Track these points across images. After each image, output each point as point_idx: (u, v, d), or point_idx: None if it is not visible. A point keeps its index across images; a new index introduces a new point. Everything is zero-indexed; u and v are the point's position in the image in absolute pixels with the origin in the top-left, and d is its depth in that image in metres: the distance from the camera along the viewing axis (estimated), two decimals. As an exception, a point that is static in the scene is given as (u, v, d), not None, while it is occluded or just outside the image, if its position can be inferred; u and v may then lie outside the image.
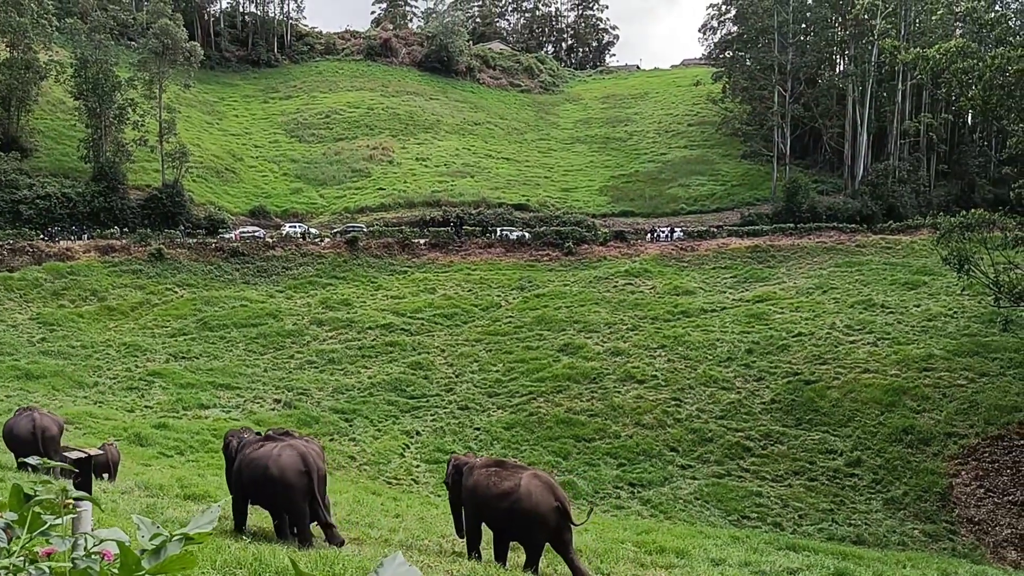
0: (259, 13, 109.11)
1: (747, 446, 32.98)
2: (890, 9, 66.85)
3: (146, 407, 33.67)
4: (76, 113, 62.07)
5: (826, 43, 77.38)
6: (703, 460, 32.36)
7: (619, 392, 37.27)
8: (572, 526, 10.51)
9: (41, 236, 52.94)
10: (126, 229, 56.90)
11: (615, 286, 51.43)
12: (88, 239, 54.10)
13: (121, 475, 17.46)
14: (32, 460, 2.01)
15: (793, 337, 40.69)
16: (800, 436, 33.35)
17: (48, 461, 2.03)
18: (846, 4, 72.04)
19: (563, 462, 32.12)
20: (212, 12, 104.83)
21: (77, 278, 47.81)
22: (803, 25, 77.44)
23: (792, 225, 60.43)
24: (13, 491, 1.59)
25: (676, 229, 62.20)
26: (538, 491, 10.35)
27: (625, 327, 44.67)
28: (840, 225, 59.74)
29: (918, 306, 42.94)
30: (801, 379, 36.90)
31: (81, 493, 1.73)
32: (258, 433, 13.05)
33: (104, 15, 65.48)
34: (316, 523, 11.59)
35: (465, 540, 11.78)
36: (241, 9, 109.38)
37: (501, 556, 11.10)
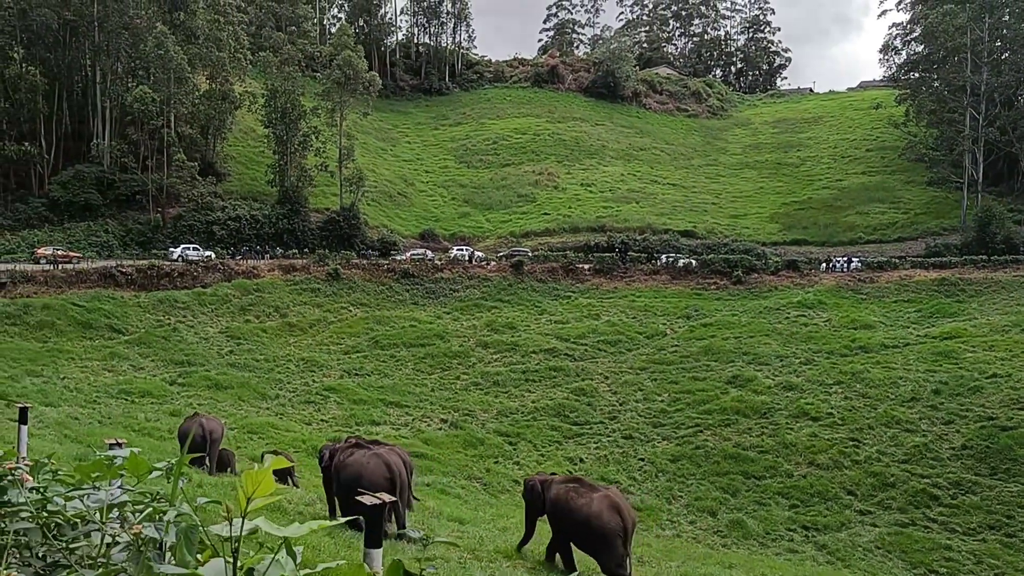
0: (432, 44, 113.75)
1: (934, 494, 30.64)
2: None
3: (322, 421, 35.08)
4: (265, 140, 66.35)
5: (1026, 61, 71.86)
6: (884, 506, 30.33)
7: (791, 429, 35.59)
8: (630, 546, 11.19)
9: (230, 255, 56.73)
10: (306, 249, 60.08)
11: (787, 317, 49.34)
12: (271, 258, 57.50)
13: (302, 487, 18.36)
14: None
15: (987, 378, 37.58)
16: (996, 487, 30.67)
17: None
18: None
19: (731, 499, 30.91)
20: (388, 44, 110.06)
21: (262, 295, 50.72)
22: (999, 43, 72.24)
23: (985, 257, 56.09)
24: (392, 568, 1.45)
25: (853, 259, 59.14)
26: (607, 511, 11.03)
27: (798, 361, 42.73)
28: (1041, 258, 55.04)
29: None
30: (996, 424, 33.99)
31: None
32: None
33: (293, 48, 69.85)
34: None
35: (550, 547, 12.36)
36: (416, 40, 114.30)
37: (568, 563, 11.87)
